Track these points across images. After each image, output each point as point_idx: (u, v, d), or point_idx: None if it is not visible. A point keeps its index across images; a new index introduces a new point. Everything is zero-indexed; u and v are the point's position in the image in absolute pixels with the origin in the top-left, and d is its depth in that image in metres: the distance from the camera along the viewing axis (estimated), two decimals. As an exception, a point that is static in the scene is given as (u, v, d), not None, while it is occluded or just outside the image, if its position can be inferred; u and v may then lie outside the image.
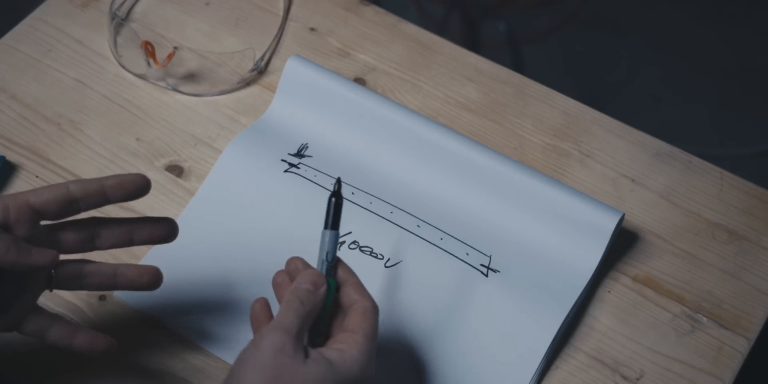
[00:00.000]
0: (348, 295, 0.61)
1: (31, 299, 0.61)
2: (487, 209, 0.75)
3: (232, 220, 0.75)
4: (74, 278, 0.62)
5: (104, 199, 0.61)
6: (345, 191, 0.76)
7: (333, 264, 0.61)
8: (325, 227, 0.61)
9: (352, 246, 0.73)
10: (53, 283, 0.62)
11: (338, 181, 0.62)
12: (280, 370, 0.55)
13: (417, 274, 0.72)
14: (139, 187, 0.61)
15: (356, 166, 0.77)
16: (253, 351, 0.56)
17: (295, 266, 0.62)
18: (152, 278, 0.64)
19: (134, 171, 0.78)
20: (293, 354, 0.55)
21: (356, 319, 0.59)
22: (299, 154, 0.78)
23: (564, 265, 0.72)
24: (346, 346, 0.58)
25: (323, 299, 0.59)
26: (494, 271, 0.72)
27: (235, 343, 0.69)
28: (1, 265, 0.57)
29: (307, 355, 0.56)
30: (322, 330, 0.61)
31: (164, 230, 0.63)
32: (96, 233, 0.62)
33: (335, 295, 0.61)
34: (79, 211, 0.61)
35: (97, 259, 0.63)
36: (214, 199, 0.76)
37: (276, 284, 0.62)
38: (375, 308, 0.60)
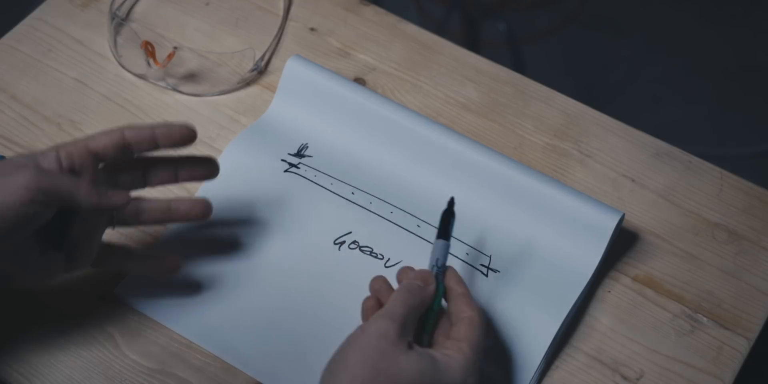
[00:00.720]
0: (457, 305, 0.63)
1: (98, 237, 0.65)
2: (487, 209, 0.75)
3: (232, 219, 0.75)
4: (134, 215, 0.65)
5: (154, 145, 0.64)
6: (344, 191, 0.76)
7: (443, 270, 0.64)
8: (438, 237, 0.65)
9: (352, 246, 0.73)
10: (115, 221, 0.65)
11: (451, 200, 0.67)
12: (382, 354, 0.57)
13: None
14: (185, 136, 0.65)
15: (356, 166, 0.77)
16: (359, 333, 0.58)
17: (382, 282, 0.65)
18: (203, 209, 0.67)
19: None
20: (396, 341, 0.57)
21: (463, 329, 0.61)
22: (299, 154, 0.78)
23: (564, 265, 0.72)
24: (451, 352, 0.59)
25: (432, 296, 0.62)
26: (494, 271, 0.72)
27: (234, 342, 0.69)
28: (84, 207, 0.60)
29: (410, 347, 0.58)
30: (428, 330, 0.62)
31: (205, 168, 0.68)
32: (145, 173, 0.66)
33: (443, 301, 0.63)
34: (132, 156, 0.65)
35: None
36: (213, 199, 0.76)
37: (366, 308, 0.64)
38: (482, 321, 0.62)
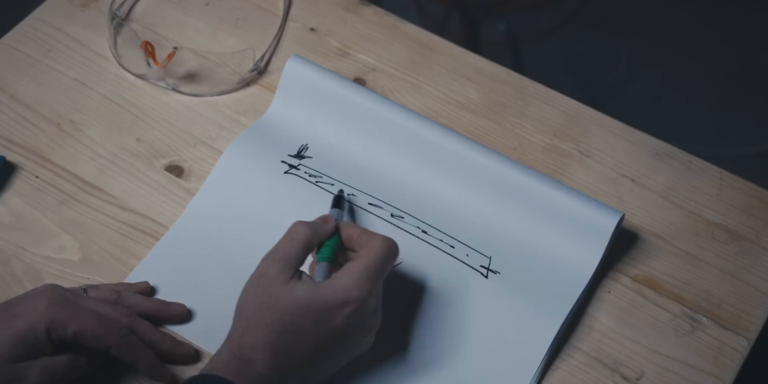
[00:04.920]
0: (359, 239, 0.66)
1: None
2: (487, 210, 0.75)
3: (232, 221, 0.75)
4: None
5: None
6: (343, 189, 0.76)
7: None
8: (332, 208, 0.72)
9: (352, 246, 0.73)
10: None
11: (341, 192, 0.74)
12: (261, 290, 0.62)
13: (417, 275, 0.72)
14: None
15: (356, 167, 0.77)
16: (246, 282, 0.64)
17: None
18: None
19: (134, 172, 0.78)
20: (275, 277, 0.62)
21: (362, 252, 0.64)
22: (299, 155, 0.78)
23: (564, 265, 0.72)
24: (339, 273, 0.63)
25: (329, 230, 0.67)
26: (494, 272, 0.72)
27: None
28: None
29: (294, 279, 0.62)
30: (321, 259, 0.65)
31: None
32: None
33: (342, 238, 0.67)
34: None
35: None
36: (214, 199, 0.76)
37: None
38: (385, 243, 0.65)
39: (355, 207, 0.75)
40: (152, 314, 0.69)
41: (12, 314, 0.62)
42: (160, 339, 0.67)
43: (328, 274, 0.64)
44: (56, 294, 0.63)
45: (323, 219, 0.68)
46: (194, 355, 0.69)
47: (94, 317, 0.63)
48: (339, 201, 0.73)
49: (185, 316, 0.70)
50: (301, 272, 0.64)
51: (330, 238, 0.67)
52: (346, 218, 0.73)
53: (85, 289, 0.68)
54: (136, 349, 0.65)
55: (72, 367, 0.64)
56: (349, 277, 0.62)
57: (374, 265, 0.63)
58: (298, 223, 0.66)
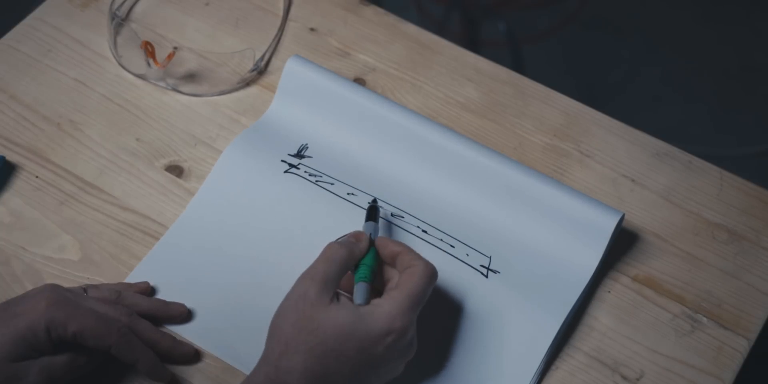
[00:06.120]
0: (402, 260, 0.65)
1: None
2: (487, 210, 0.75)
3: (232, 221, 0.75)
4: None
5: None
6: (344, 192, 0.76)
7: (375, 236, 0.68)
8: (366, 221, 0.70)
9: (352, 246, 0.73)
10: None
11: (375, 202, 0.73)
12: (301, 313, 0.60)
13: None
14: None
15: (356, 167, 0.77)
16: (283, 301, 0.62)
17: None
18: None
19: (134, 172, 0.78)
20: (316, 299, 0.60)
21: (403, 278, 0.63)
22: (299, 155, 0.78)
23: (564, 265, 0.72)
24: (383, 300, 0.61)
25: (364, 249, 0.65)
26: (494, 271, 0.72)
27: (234, 343, 0.69)
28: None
29: (334, 302, 0.60)
30: (358, 279, 0.64)
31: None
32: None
33: (380, 256, 0.66)
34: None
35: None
36: (213, 199, 0.76)
37: None
38: (427, 270, 0.63)
39: (354, 207, 0.75)
40: (152, 314, 0.69)
41: (12, 314, 0.62)
42: (159, 338, 0.67)
43: (368, 295, 0.63)
44: (56, 294, 0.63)
45: (356, 237, 0.66)
46: (194, 354, 0.69)
47: (93, 317, 0.63)
48: (373, 212, 0.71)
49: (185, 315, 0.70)
50: (338, 293, 0.62)
51: (365, 256, 0.66)
52: (381, 232, 0.72)
53: (85, 289, 0.68)
54: (135, 349, 0.65)
55: (72, 366, 0.64)
56: (393, 306, 0.61)
57: (417, 294, 0.62)
58: (334, 245, 0.64)
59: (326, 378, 0.60)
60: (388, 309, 0.61)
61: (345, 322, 0.60)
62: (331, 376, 0.60)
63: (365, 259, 0.65)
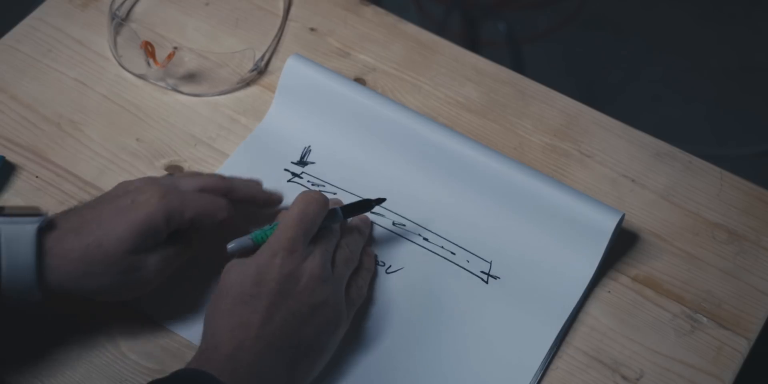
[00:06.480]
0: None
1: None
2: (487, 210, 0.75)
3: (236, 228, 0.75)
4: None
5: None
6: (344, 197, 0.76)
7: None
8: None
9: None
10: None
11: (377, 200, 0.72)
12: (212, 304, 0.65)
13: (418, 281, 0.72)
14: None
15: (357, 170, 0.77)
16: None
17: None
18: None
19: (134, 172, 0.78)
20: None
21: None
22: (302, 162, 0.78)
23: (564, 265, 0.72)
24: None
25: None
26: (494, 277, 0.72)
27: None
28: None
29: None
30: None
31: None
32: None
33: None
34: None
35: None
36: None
37: None
38: (301, 196, 0.66)
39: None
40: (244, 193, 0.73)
41: (124, 209, 0.65)
42: (254, 192, 0.72)
43: (241, 248, 0.66)
44: (161, 185, 0.67)
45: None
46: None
47: (201, 199, 0.67)
48: (363, 206, 0.71)
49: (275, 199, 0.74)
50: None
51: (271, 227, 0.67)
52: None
53: (172, 175, 0.71)
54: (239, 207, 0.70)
55: (182, 253, 0.68)
56: (271, 237, 0.64)
57: (295, 215, 0.64)
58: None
59: (243, 323, 0.62)
60: (270, 239, 0.64)
61: (235, 268, 0.64)
62: (247, 319, 0.62)
63: (269, 229, 0.67)
